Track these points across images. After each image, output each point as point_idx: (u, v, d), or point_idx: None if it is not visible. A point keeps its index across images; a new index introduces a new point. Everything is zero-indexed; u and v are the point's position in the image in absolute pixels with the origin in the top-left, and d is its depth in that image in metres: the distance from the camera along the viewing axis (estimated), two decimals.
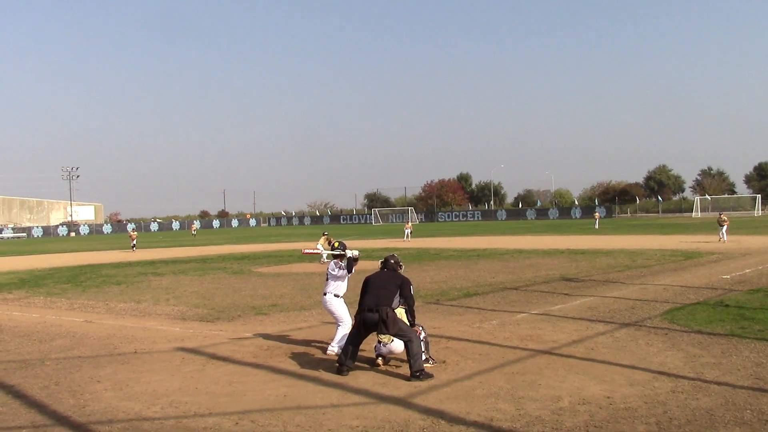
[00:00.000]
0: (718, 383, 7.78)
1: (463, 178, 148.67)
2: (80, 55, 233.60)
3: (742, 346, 9.69)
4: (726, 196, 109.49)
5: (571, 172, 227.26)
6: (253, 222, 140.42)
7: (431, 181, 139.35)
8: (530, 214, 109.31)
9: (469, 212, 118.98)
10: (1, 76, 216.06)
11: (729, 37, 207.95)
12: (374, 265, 11.07)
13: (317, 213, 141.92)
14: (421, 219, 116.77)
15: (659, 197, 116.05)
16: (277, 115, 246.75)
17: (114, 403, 7.73)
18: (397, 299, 9.07)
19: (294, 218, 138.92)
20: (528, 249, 32.64)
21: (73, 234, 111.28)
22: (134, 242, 45.72)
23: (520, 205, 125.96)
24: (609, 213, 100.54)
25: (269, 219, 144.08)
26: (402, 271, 9.75)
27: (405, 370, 8.67)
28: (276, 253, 36.89)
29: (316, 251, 12.62)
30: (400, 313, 9.16)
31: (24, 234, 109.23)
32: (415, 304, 9.57)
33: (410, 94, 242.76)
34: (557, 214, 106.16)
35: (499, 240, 43.77)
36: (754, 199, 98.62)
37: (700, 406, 6.92)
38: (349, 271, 10.10)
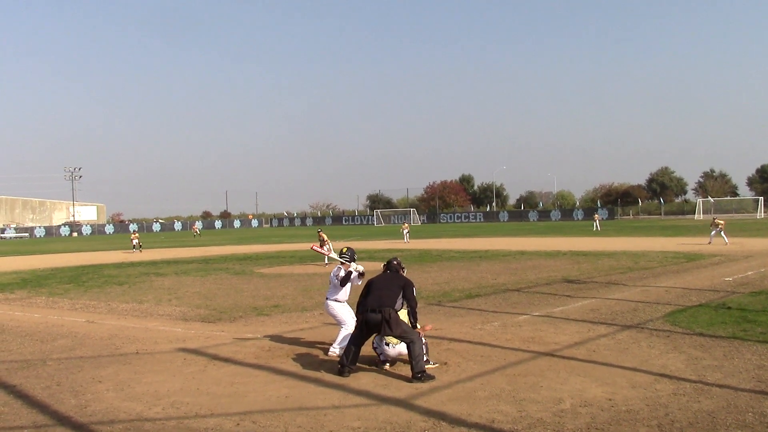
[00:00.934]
0: (720, 386, 7.77)
1: (465, 180, 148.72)
2: (82, 55, 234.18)
3: (744, 348, 9.67)
4: (728, 198, 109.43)
5: (574, 174, 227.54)
6: (255, 223, 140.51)
7: (433, 183, 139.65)
8: (532, 215, 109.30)
9: (471, 214, 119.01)
10: (3, 76, 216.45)
11: (731, 39, 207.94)
12: (376, 267, 11.04)
13: (319, 214, 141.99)
14: (423, 220, 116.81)
15: (661, 199, 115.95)
16: (280, 116, 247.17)
17: (115, 404, 7.73)
18: (400, 301, 9.06)
19: (296, 219, 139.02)
20: (530, 250, 32.61)
21: (75, 234, 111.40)
22: (135, 242, 45.23)
23: (522, 207, 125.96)
24: (611, 215, 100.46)
25: (271, 220, 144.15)
26: (404, 274, 9.76)
27: (406, 371, 8.67)
28: (278, 254, 36.90)
29: (322, 251, 12.53)
30: (403, 314, 9.18)
31: (26, 234, 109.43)
32: (418, 305, 9.56)
33: (412, 94, 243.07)
34: (559, 216, 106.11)
35: (501, 241, 43.74)
36: (757, 201, 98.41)
37: (702, 409, 6.91)
38: (342, 284, 10.05)
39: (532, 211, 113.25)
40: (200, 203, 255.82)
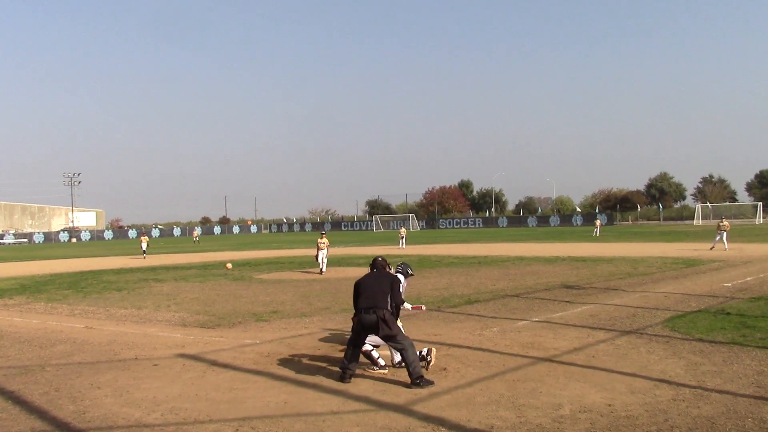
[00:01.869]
0: (720, 391, 7.77)
1: (464, 185, 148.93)
2: (81, 59, 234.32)
3: (743, 354, 9.67)
4: (727, 203, 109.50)
5: (573, 180, 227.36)
6: (254, 228, 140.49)
7: (432, 188, 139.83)
8: (531, 221, 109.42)
9: (470, 219, 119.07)
10: (2, 81, 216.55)
11: (730, 45, 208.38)
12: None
13: (318, 219, 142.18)
14: (422, 226, 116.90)
15: (660, 205, 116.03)
16: (279, 120, 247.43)
17: (114, 410, 7.72)
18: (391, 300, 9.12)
19: (295, 225, 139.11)
20: (529, 256, 32.61)
21: (74, 240, 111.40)
22: (144, 246, 44.46)
23: (521, 212, 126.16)
24: (610, 220, 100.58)
25: (270, 225, 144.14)
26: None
27: (405, 377, 8.66)
28: (277, 259, 36.89)
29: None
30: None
31: (25, 240, 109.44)
32: (404, 303, 9.53)
33: (412, 99, 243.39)
34: (558, 222, 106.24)
35: (500, 247, 43.74)
36: (756, 206, 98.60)
37: (702, 414, 6.90)
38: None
39: (531, 216, 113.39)
40: (199, 209, 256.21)
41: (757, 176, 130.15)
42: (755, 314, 13.11)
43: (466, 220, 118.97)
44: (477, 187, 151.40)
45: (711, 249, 33.25)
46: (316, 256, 27.03)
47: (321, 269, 26.34)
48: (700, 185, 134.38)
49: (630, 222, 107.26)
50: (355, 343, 8.98)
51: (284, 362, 10.13)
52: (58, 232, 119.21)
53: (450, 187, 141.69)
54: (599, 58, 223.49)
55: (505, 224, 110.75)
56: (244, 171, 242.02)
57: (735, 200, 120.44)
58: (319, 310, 15.94)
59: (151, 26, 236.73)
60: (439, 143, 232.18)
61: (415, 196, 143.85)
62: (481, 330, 12.45)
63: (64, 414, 7.58)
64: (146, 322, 15.08)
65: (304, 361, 10.18)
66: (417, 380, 8.36)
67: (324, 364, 9.87)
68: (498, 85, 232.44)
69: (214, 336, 12.84)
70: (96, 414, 7.56)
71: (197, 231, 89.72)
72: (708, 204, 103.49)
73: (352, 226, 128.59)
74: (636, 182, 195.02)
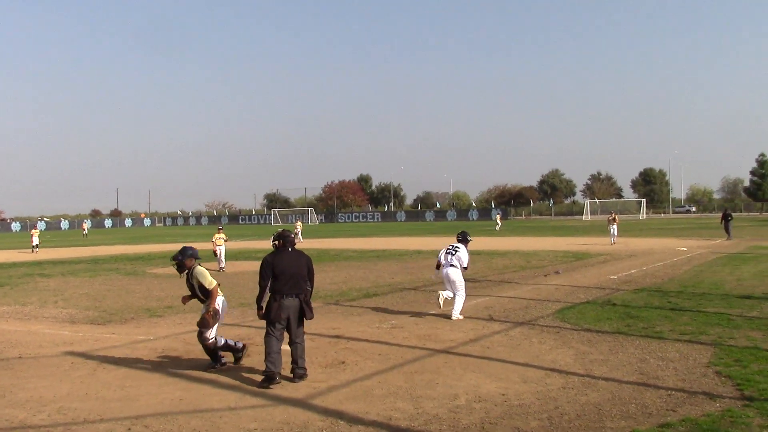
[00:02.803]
0: (606, 379, 8.12)
1: (363, 180, 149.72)
2: None
3: (627, 343, 10.14)
4: (614, 200, 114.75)
5: (469, 175, 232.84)
6: (147, 222, 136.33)
7: (331, 182, 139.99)
8: (429, 215, 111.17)
9: (369, 213, 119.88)
10: None
11: (618, 48, 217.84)
12: None
13: (215, 213, 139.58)
14: (321, 219, 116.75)
15: (552, 200, 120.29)
16: (174, 112, 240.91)
17: None
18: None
19: (191, 218, 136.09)
20: (427, 250, 33.07)
21: None
22: (35, 241, 42.08)
23: (419, 207, 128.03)
24: (504, 215, 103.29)
25: (165, 219, 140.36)
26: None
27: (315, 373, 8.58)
28: (172, 253, 35.82)
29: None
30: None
31: None
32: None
33: (311, 93, 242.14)
34: (455, 216, 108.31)
35: (398, 241, 44.20)
36: (640, 203, 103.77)
37: (589, 401, 7.19)
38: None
39: (429, 211, 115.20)
40: (89, 201, 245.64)
41: (641, 174, 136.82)
42: (638, 305, 13.76)
43: (365, 214, 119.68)
44: (376, 182, 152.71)
45: (612, 244, 33.91)
46: (215, 252, 25.95)
47: (221, 267, 25.22)
48: (589, 182, 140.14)
49: (523, 217, 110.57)
50: (279, 335, 8.37)
51: (179, 358, 9.90)
52: None
53: (349, 181, 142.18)
54: (496, 57, 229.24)
55: (403, 218, 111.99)
56: (137, 162, 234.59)
57: (621, 197, 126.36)
58: None
59: (29, 10, 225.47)
60: (339, 138, 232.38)
61: (315, 190, 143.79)
62: (380, 323, 12.54)
63: None
64: (31, 319, 14.38)
65: (201, 357, 9.95)
66: (302, 372, 8.31)
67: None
68: (397, 81, 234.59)
69: (104, 333, 12.40)
70: None
71: (87, 224, 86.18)
72: (596, 200, 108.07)
73: (249, 219, 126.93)
74: (529, 178, 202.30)
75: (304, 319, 8.65)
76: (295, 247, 8.96)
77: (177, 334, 11.96)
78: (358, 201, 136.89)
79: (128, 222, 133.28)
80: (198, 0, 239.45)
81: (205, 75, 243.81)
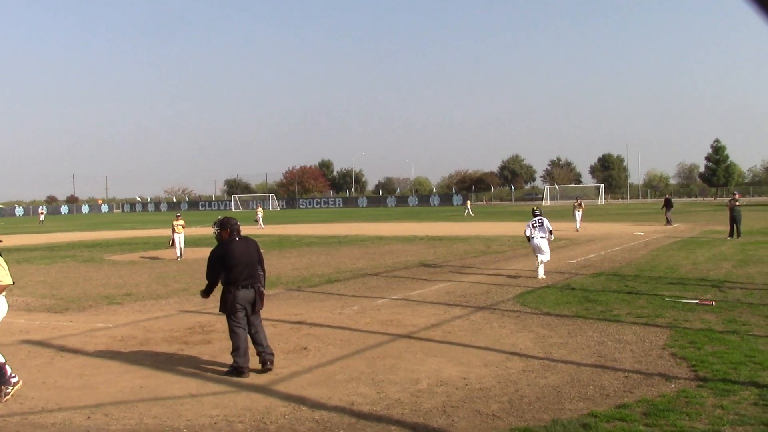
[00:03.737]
0: (565, 362, 8.25)
1: (325, 165, 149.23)
2: None
3: (586, 326, 10.30)
4: (573, 185, 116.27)
5: (431, 161, 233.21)
6: (105, 208, 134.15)
7: (293, 168, 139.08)
8: (390, 201, 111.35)
9: (330, 199, 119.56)
10: None
11: (577, 32, 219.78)
12: None
13: (174, 199, 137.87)
14: (282, 206, 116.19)
15: (512, 186, 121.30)
16: (132, 96, 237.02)
17: None
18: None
19: (150, 204, 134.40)
20: (388, 236, 33.16)
21: None
22: None
23: (381, 193, 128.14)
24: (465, 201, 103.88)
25: (123, 205, 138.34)
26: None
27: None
28: (130, 240, 35.49)
29: None
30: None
31: None
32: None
33: (270, 79, 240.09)
34: (417, 202, 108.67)
35: (360, 227, 44.20)
36: (598, 188, 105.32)
37: (549, 384, 7.30)
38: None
39: (390, 196, 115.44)
40: (44, 187, 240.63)
41: (600, 160, 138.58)
42: (596, 289, 13.99)
43: (326, 200, 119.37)
44: (337, 168, 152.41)
45: (577, 231, 33.30)
46: (172, 241, 24.07)
47: (179, 256, 23.66)
48: (549, 168, 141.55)
49: (484, 202, 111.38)
50: (245, 327, 8.12)
51: (139, 346, 9.78)
52: None
53: (310, 167, 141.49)
54: (457, 44, 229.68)
55: (364, 204, 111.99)
56: (93, 148, 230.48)
57: (580, 182, 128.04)
58: (175, 291, 15.50)
59: None
60: (300, 123, 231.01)
61: (276, 175, 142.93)
62: (342, 308, 12.55)
63: None
64: None
65: (161, 344, 9.87)
66: (268, 365, 8.23)
67: (181, 347, 9.62)
68: (357, 66, 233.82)
69: (62, 321, 12.20)
70: None
71: (43, 210, 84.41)
72: (556, 186, 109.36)
73: (209, 205, 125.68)
74: (490, 164, 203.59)
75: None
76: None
77: (136, 321, 11.82)
78: (320, 187, 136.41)
79: (85, 208, 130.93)
80: None
81: (163, 59, 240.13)
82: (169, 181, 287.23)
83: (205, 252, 25.54)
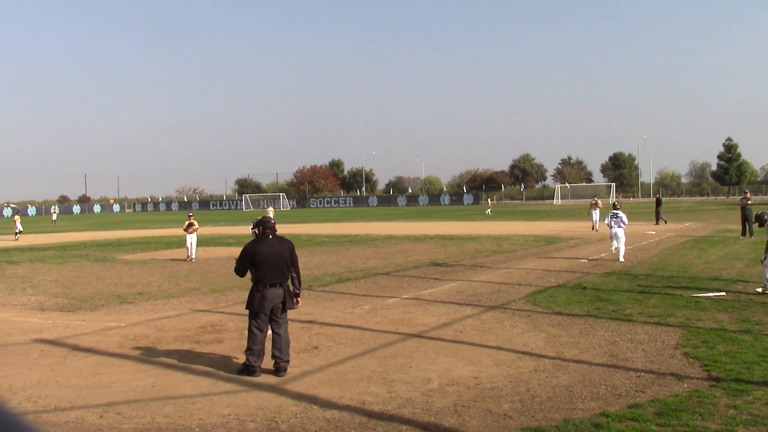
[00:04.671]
0: (576, 361, 8.23)
1: (335, 164, 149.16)
2: None
3: (597, 325, 10.28)
4: (584, 184, 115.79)
5: (441, 160, 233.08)
6: (117, 207, 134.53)
7: (303, 167, 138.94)
8: (401, 200, 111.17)
9: (340, 198, 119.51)
10: None
11: (588, 33, 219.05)
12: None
13: (185, 198, 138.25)
14: (293, 205, 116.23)
15: (523, 185, 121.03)
16: (143, 96, 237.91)
17: None
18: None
19: (161, 204, 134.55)
20: (399, 235, 33.14)
21: None
22: (19, 228, 40.88)
23: (391, 192, 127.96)
24: (476, 200, 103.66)
25: (134, 204, 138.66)
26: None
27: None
28: (142, 239, 35.61)
29: None
30: None
31: None
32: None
33: (281, 78, 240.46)
34: (427, 201, 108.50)
35: (370, 226, 44.18)
36: (609, 187, 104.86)
37: (560, 383, 7.29)
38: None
39: (401, 196, 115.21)
40: (57, 187, 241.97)
41: (611, 158, 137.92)
42: (608, 288, 13.94)
43: (336, 199, 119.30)
44: (348, 167, 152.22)
45: (596, 231, 32.28)
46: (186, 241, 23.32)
47: (190, 256, 22.94)
48: (559, 167, 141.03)
49: (495, 201, 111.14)
50: (264, 324, 8.15)
51: (151, 345, 9.82)
52: None
53: (321, 166, 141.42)
54: (466, 41, 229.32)
55: (375, 203, 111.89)
56: (105, 148, 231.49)
57: (591, 181, 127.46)
58: (187, 290, 15.55)
59: None
60: (310, 123, 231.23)
61: (286, 175, 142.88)
62: (353, 308, 12.56)
63: None
64: None
65: (172, 343, 9.91)
66: (285, 365, 8.21)
67: (193, 346, 9.65)
68: (367, 66, 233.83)
69: (74, 320, 12.26)
70: None
71: (56, 210, 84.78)
72: (567, 184, 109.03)
73: (221, 205, 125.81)
74: (501, 163, 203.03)
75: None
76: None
77: (148, 320, 11.87)
78: (330, 186, 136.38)
79: (97, 208, 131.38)
80: None
81: (175, 59, 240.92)
82: (180, 180, 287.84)
83: (217, 251, 25.80)
